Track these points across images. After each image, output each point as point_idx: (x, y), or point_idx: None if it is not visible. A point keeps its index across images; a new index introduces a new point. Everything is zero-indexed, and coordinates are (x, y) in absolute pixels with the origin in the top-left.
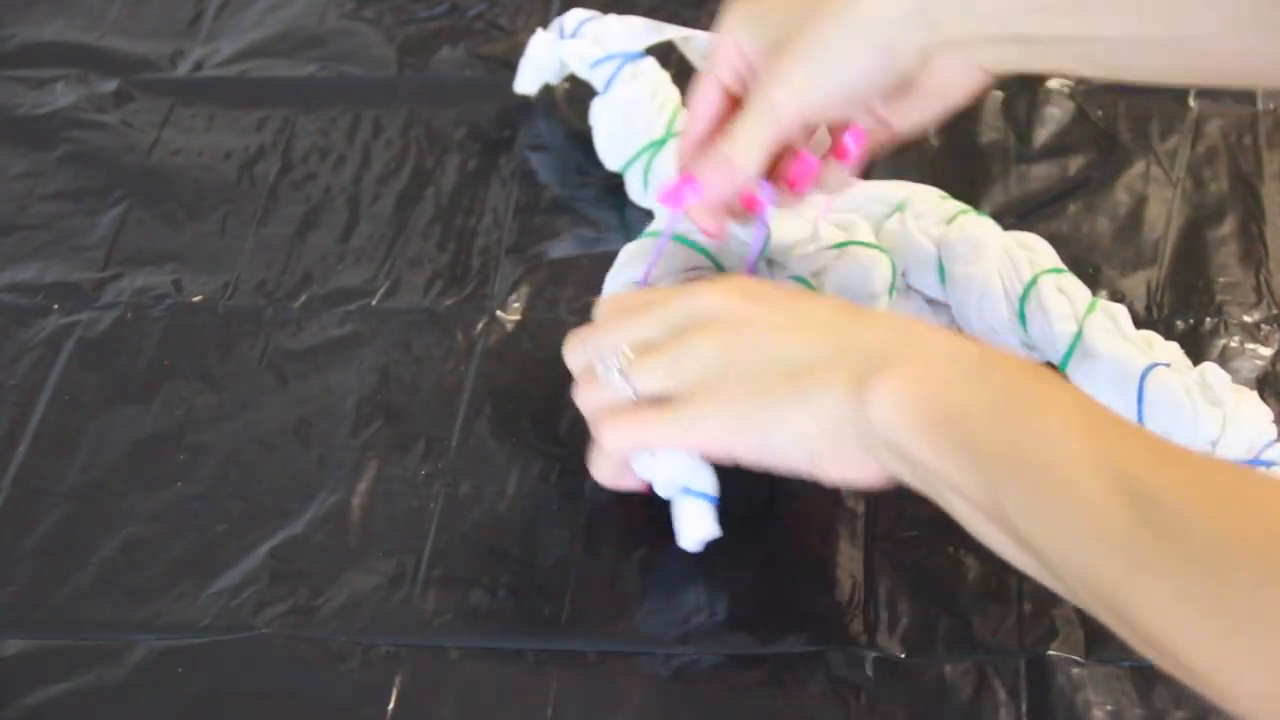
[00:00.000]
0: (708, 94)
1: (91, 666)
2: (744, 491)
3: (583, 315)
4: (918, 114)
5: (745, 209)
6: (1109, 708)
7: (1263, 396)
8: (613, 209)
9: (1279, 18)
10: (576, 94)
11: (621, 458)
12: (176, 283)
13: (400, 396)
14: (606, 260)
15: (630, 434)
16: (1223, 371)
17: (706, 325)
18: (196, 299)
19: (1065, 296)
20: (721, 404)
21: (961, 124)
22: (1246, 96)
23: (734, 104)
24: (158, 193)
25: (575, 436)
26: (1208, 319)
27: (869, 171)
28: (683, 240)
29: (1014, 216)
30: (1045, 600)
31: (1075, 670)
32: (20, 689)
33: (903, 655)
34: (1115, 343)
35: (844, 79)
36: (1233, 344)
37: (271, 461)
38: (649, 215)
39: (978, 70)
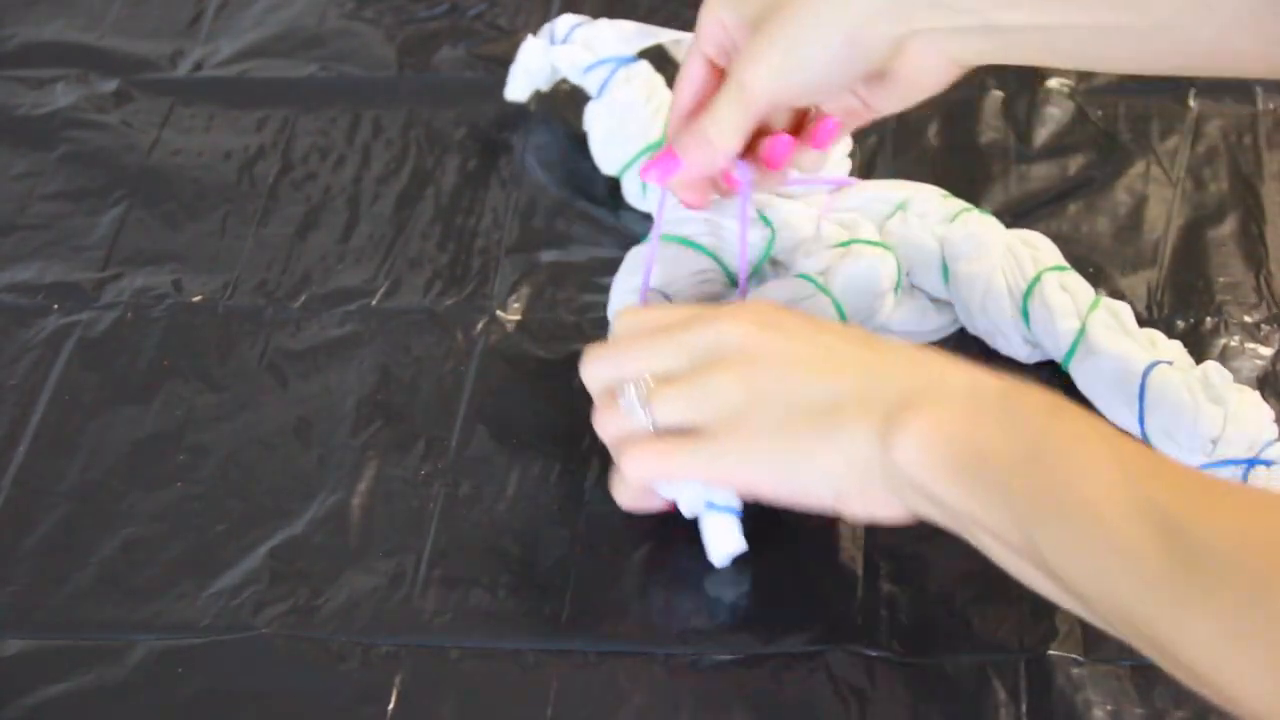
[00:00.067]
0: (692, 69)
1: (91, 666)
2: None
3: (582, 315)
4: (894, 101)
5: (726, 186)
6: (1109, 707)
7: (1263, 396)
8: (613, 209)
9: (1246, 6)
10: (577, 95)
11: (644, 484)
12: (176, 283)
13: (400, 396)
14: (607, 261)
15: (653, 466)
16: (1225, 370)
17: (728, 360)
18: (196, 299)
19: (1068, 294)
20: (744, 442)
21: (961, 124)
22: (1246, 96)
23: (719, 77)
24: (158, 193)
25: (575, 436)
26: (1208, 319)
27: (870, 171)
28: (686, 242)
29: (1014, 216)
30: (1045, 600)
31: (1075, 670)
32: (20, 689)
33: (903, 655)
34: (1118, 340)
35: (815, 67)
36: (1233, 344)
37: (271, 461)
38: (648, 218)
39: (951, 63)
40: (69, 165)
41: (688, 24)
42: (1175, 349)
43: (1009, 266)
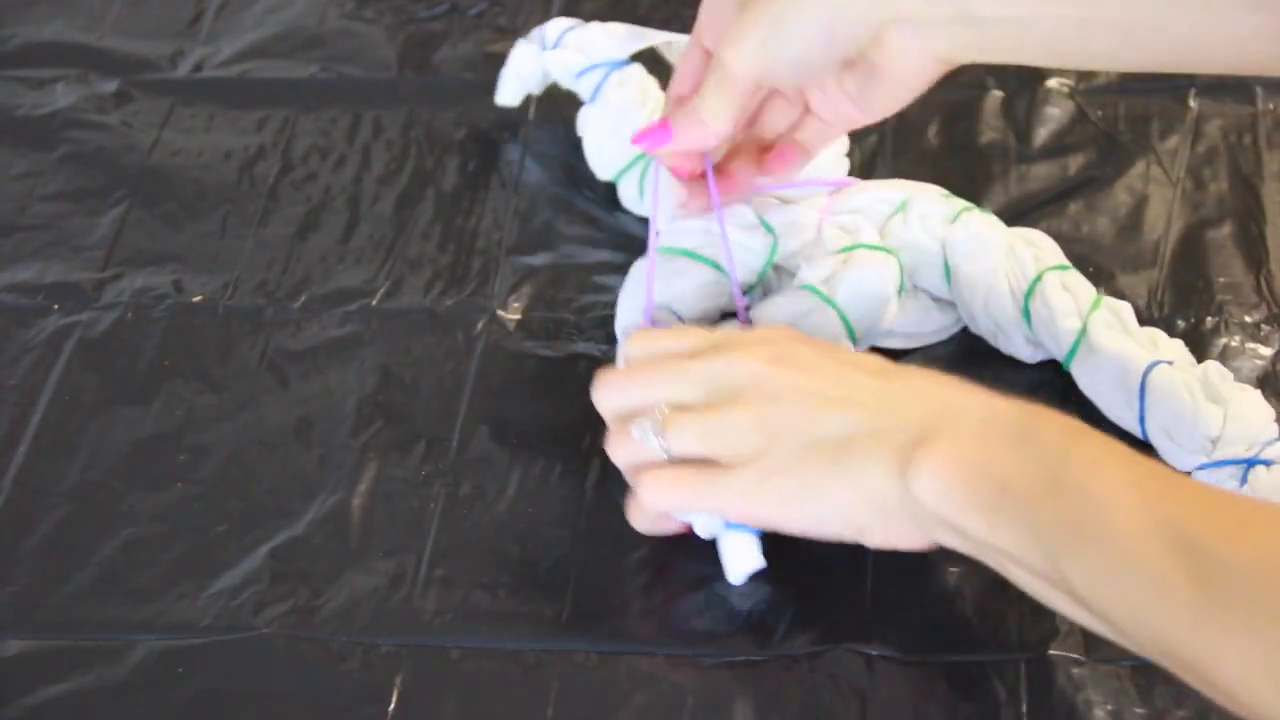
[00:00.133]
0: (691, 54)
1: (92, 667)
2: None
3: (582, 315)
4: (881, 99)
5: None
6: (1109, 707)
7: (1263, 396)
8: (612, 210)
9: (1227, 1)
10: (577, 95)
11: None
12: (177, 283)
13: (400, 397)
14: (607, 261)
15: (670, 497)
16: (1226, 370)
17: (743, 396)
18: (197, 299)
19: (1070, 293)
20: (761, 478)
21: (961, 124)
22: (1246, 96)
23: None
24: (158, 193)
25: (575, 436)
26: (1208, 319)
27: (870, 171)
28: (689, 254)
29: (1014, 217)
30: None
31: (1076, 670)
32: (20, 689)
33: (903, 655)
34: (1119, 340)
35: (795, 49)
36: (1233, 344)
37: (272, 462)
38: (646, 220)
39: (933, 58)
40: (69, 165)
41: (687, 24)
42: (1176, 348)
43: (1010, 266)
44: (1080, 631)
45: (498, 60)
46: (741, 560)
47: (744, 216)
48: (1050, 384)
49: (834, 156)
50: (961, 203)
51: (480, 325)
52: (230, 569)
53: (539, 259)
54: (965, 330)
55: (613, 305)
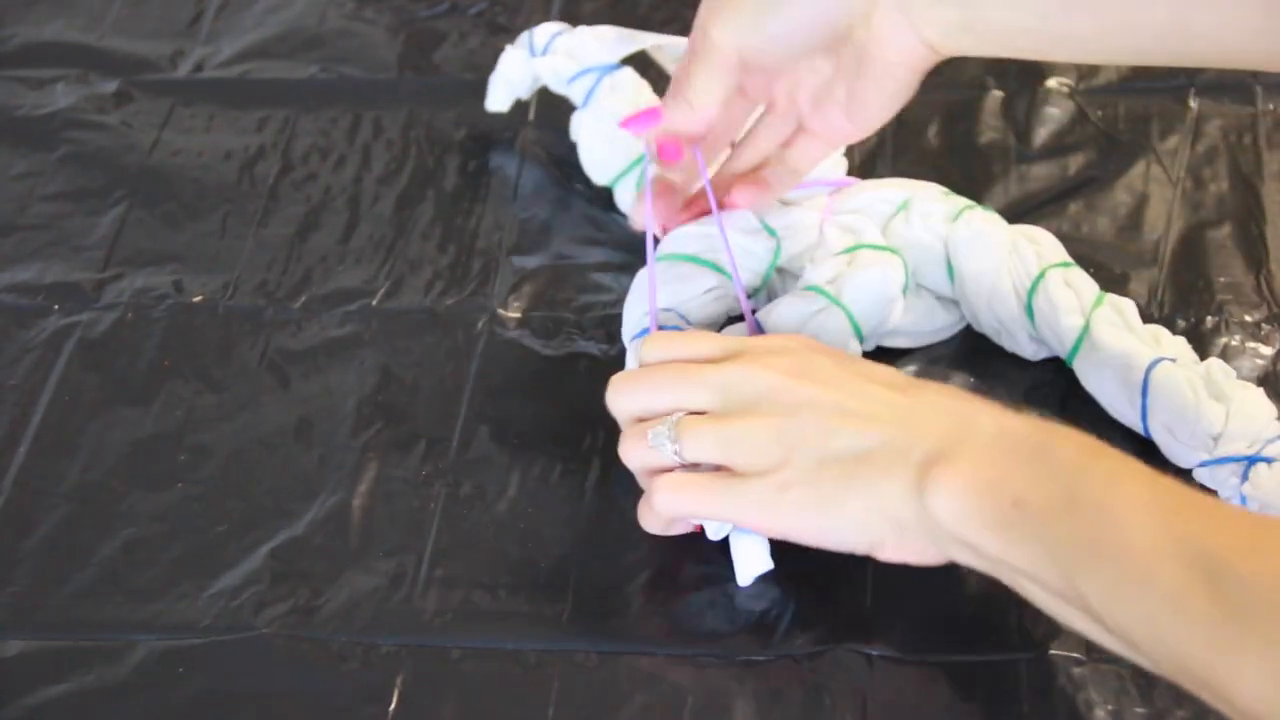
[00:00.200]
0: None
1: (92, 667)
2: None
3: (582, 314)
4: (869, 100)
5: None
6: (1110, 707)
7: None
8: (613, 210)
9: None
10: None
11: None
12: (177, 283)
13: (401, 397)
14: (607, 261)
15: (684, 502)
16: (1229, 367)
17: (761, 407)
18: (197, 299)
19: (1072, 290)
20: (776, 490)
21: (961, 124)
22: (1246, 96)
23: None
24: (158, 193)
25: (575, 436)
26: (1208, 318)
27: (870, 171)
28: (694, 259)
29: (1014, 217)
30: None
31: (1076, 670)
32: (21, 689)
33: (903, 655)
34: (1122, 337)
35: (782, 25)
36: (1233, 343)
37: (272, 462)
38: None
39: (921, 43)
40: (69, 166)
41: (688, 24)
42: (1179, 346)
43: (1013, 263)
44: None
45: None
46: (751, 562)
47: (746, 220)
48: (1053, 381)
49: (833, 156)
50: (963, 201)
51: (480, 325)
52: (230, 569)
53: (539, 259)
54: (969, 328)
55: (613, 305)
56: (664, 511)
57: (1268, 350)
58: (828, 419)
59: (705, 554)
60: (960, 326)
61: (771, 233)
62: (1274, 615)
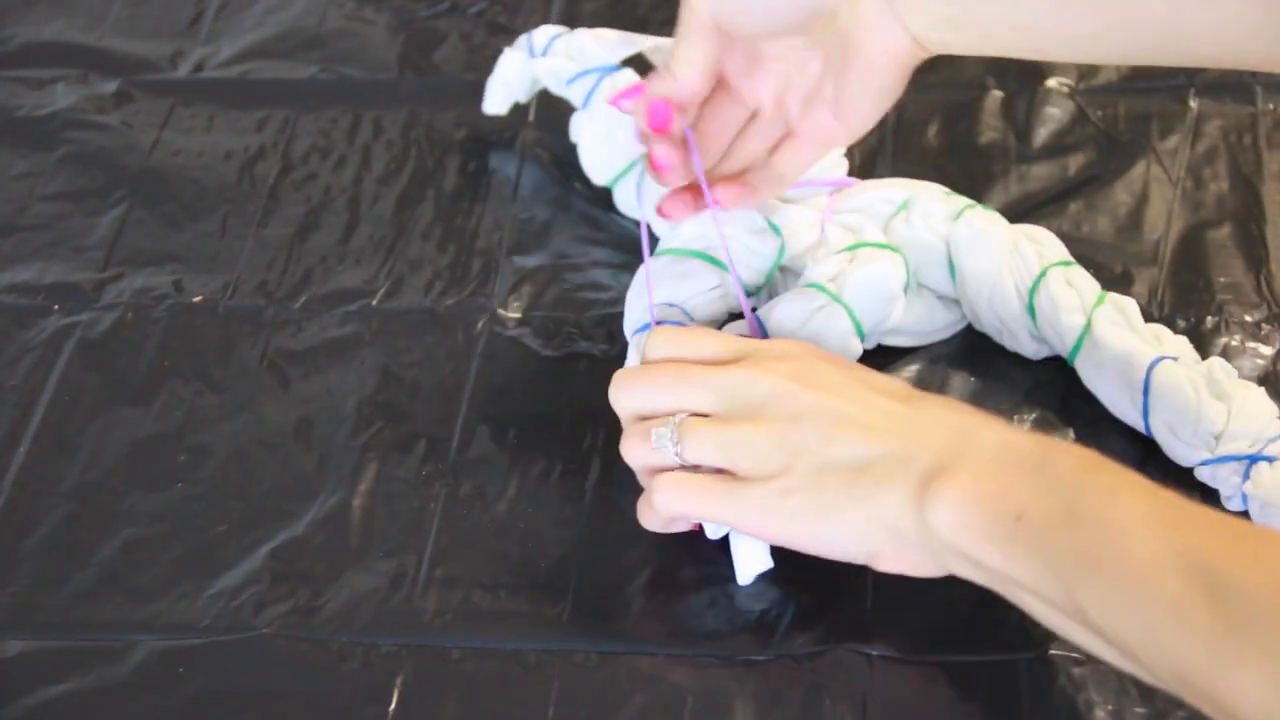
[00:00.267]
0: None
1: (92, 667)
2: None
3: (582, 314)
4: (855, 95)
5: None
6: (1110, 707)
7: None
8: (613, 210)
9: None
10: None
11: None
12: (177, 283)
13: (401, 397)
14: (607, 260)
15: (684, 502)
16: (1230, 366)
17: (764, 412)
18: (197, 299)
19: (1074, 290)
20: (776, 496)
21: (961, 124)
22: (1246, 96)
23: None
24: (158, 193)
25: (575, 436)
26: (1209, 318)
27: (870, 171)
28: (699, 255)
29: (1014, 217)
30: None
31: (1076, 670)
32: (21, 689)
33: (904, 655)
34: (1123, 336)
35: None
36: (1234, 343)
37: (272, 462)
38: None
39: (907, 35)
40: (69, 166)
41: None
42: (1181, 345)
43: (1014, 262)
44: None
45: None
46: (751, 562)
47: (751, 220)
48: (1054, 380)
49: (833, 156)
50: (964, 200)
51: (480, 325)
52: (231, 569)
53: (539, 259)
54: (970, 327)
55: (613, 305)
56: (663, 510)
57: (1268, 350)
58: (830, 426)
59: (705, 554)
60: (961, 325)
61: (776, 231)
62: (1274, 627)
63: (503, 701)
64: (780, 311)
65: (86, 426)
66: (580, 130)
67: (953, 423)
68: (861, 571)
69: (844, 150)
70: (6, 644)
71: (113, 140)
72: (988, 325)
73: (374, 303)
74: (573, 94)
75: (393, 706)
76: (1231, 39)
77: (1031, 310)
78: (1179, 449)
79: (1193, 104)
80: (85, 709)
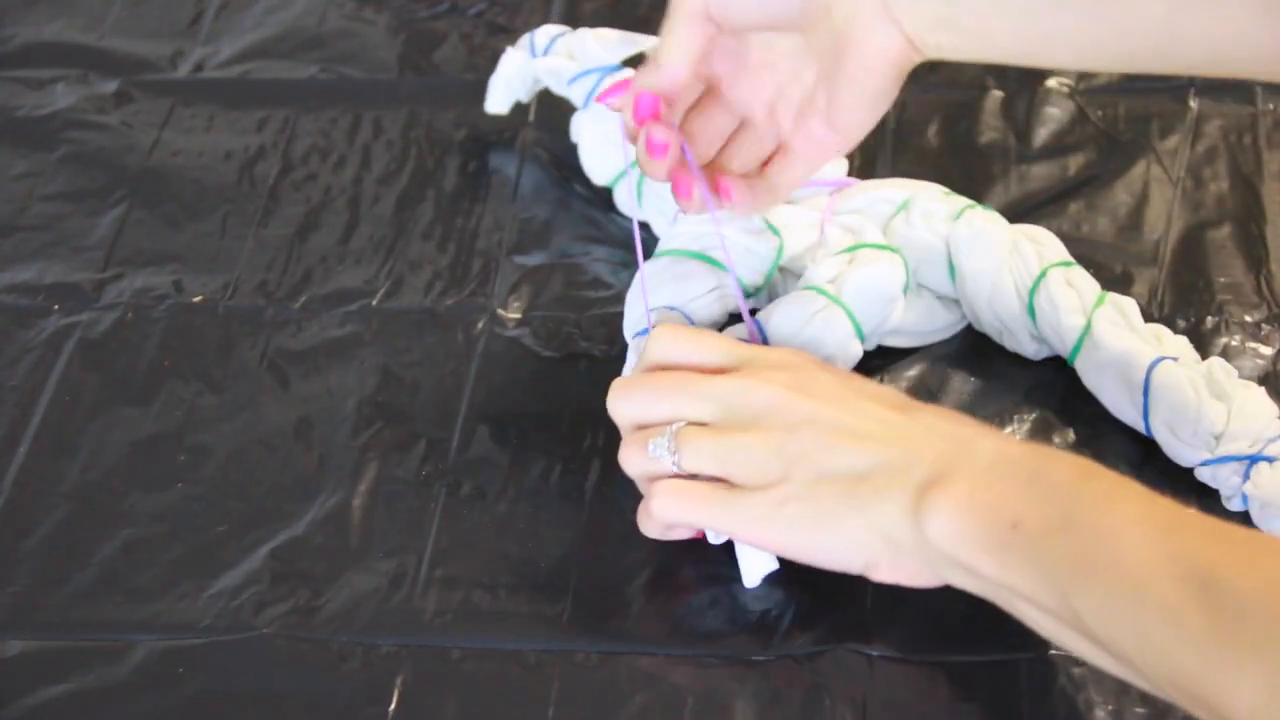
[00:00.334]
0: None
1: (92, 667)
2: None
3: (582, 313)
4: (849, 97)
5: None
6: (1110, 707)
7: None
8: (612, 210)
9: None
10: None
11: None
12: (177, 283)
13: (401, 397)
14: (607, 260)
15: (682, 509)
16: (1230, 366)
17: (762, 422)
18: (197, 299)
19: (1074, 290)
20: (773, 505)
21: (961, 124)
22: (1246, 96)
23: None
24: (158, 193)
25: (575, 436)
26: (1209, 318)
27: (870, 171)
28: (699, 256)
29: (1014, 217)
30: None
31: (1076, 670)
32: (21, 690)
33: (904, 655)
34: (1123, 336)
35: None
36: (1234, 343)
37: (272, 462)
38: (644, 224)
39: (901, 36)
40: (69, 166)
41: None
42: (1181, 345)
43: (1014, 263)
44: None
45: (498, 61)
46: (757, 564)
47: (750, 220)
48: (1054, 381)
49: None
50: (964, 200)
51: (480, 325)
52: (230, 569)
53: (539, 259)
54: (970, 328)
55: (613, 305)
56: (661, 517)
57: (1268, 350)
58: (827, 436)
59: (706, 554)
60: (961, 326)
61: (775, 232)
62: (1268, 631)
63: (503, 701)
64: (780, 315)
65: (86, 426)
66: (580, 130)
67: (949, 433)
68: None
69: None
70: (6, 644)
71: (113, 140)
72: (988, 326)
73: (374, 303)
74: (574, 94)
75: (393, 706)
76: (1229, 45)
77: (1031, 311)
78: (1179, 449)
79: (1193, 104)
80: (85, 709)
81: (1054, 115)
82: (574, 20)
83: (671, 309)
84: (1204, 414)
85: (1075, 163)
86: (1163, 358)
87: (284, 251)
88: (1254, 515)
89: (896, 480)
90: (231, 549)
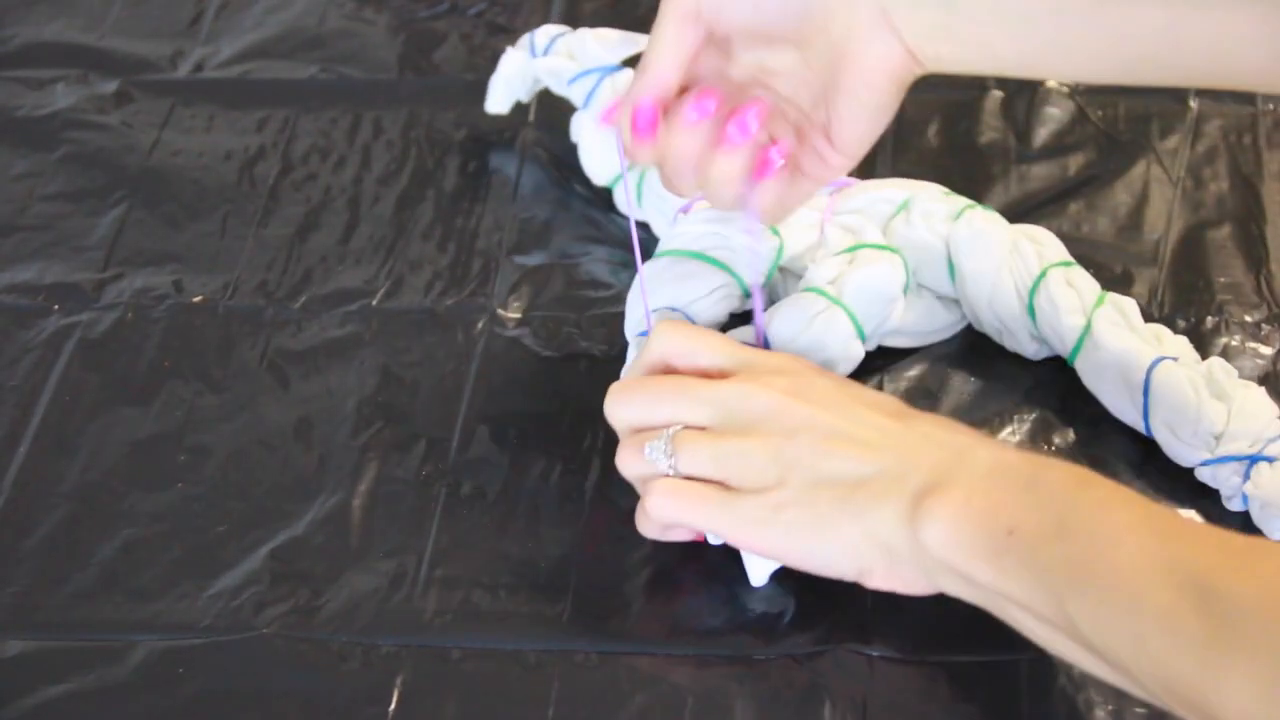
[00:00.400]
0: None
1: (92, 667)
2: None
3: (582, 313)
4: (848, 110)
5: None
6: (1110, 707)
7: None
8: (612, 210)
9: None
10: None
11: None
12: (177, 283)
13: (401, 397)
14: (607, 260)
15: (678, 509)
16: (1230, 366)
17: (759, 427)
18: (197, 299)
19: (1074, 290)
20: (769, 510)
21: (961, 124)
22: (1246, 96)
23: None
24: (158, 193)
25: (575, 436)
26: (1209, 318)
27: (870, 172)
28: (700, 256)
29: (1014, 217)
30: None
31: (1076, 670)
32: (21, 690)
33: (904, 655)
34: (1123, 336)
35: None
36: (1234, 343)
37: (272, 462)
38: (643, 225)
39: (901, 46)
40: (69, 166)
41: None
42: (1181, 345)
43: (1014, 263)
44: None
45: (498, 61)
46: (763, 562)
47: (749, 221)
48: (1054, 381)
49: None
50: (964, 200)
51: (480, 325)
52: (230, 569)
53: (539, 259)
54: (970, 328)
55: (613, 305)
56: (657, 517)
57: (1268, 350)
58: (824, 441)
59: (706, 554)
60: (961, 326)
61: (775, 232)
62: (1262, 635)
63: (503, 702)
64: (780, 317)
65: (86, 426)
66: (580, 130)
67: (946, 440)
68: None
69: None
70: (6, 644)
71: (113, 140)
72: (988, 326)
73: (374, 303)
74: (574, 94)
75: (393, 706)
76: (1230, 56)
77: (1031, 311)
78: (1179, 449)
79: (1193, 104)
80: (85, 709)
81: (1054, 115)
82: (574, 20)
83: (673, 310)
84: (1204, 414)
85: (1075, 163)
86: (1163, 358)
87: (284, 251)
88: (1254, 515)
89: (893, 487)
90: (231, 549)
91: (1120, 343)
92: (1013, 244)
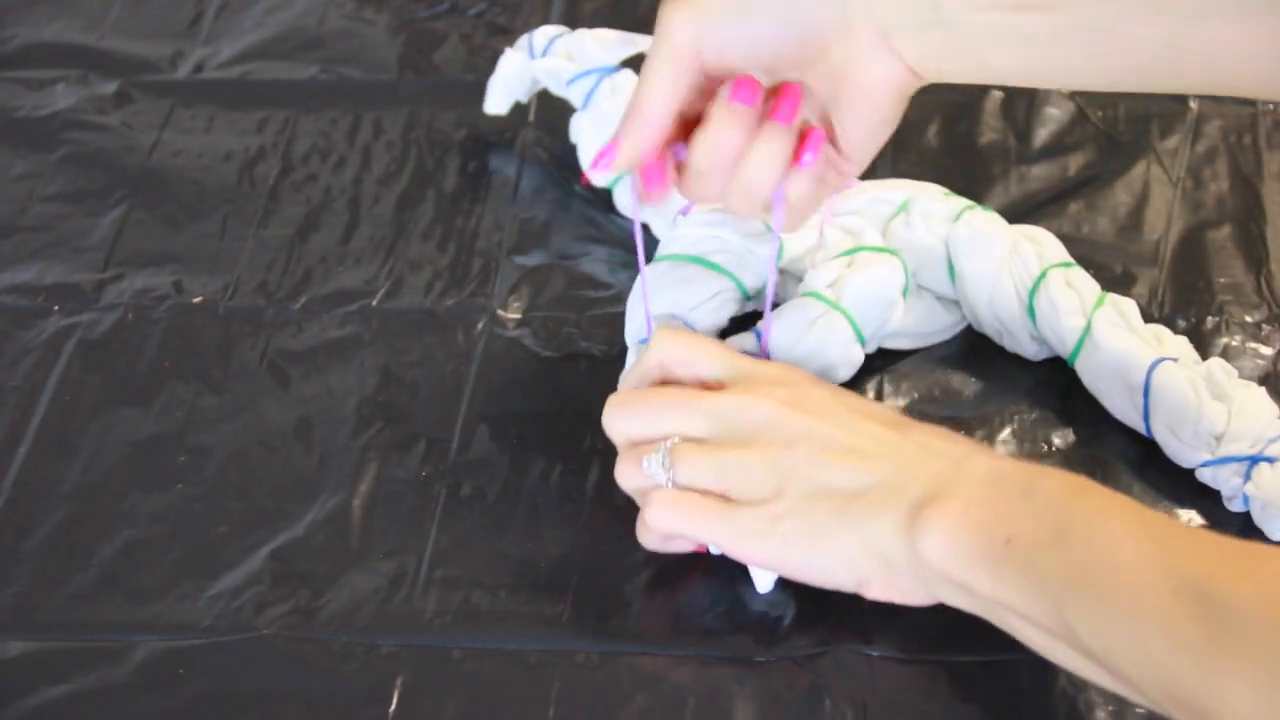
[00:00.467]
0: None
1: (93, 668)
2: None
3: (582, 314)
4: (851, 128)
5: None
6: (1110, 708)
7: None
8: (613, 210)
9: (1193, 6)
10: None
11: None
12: (177, 284)
13: (401, 397)
14: (607, 260)
15: (677, 520)
16: (1230, 366)
17: (758, 438)
18: (197, 300)
19: (1074, 291)
20: (767, 521)
21: (961, 124)
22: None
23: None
24: (158, 194)
25: (575, 436)
26: (1209, 318)
27: (870, 172)
28: (701, 261)
29: (1014, 217)
30: None
31: None
32: (22, 690)
33: (903, 655)
34: (1123, 337)
35: (749, 22)
36: (1234, 343)
37: (272, 463)
38: (644, 225)
39: (902, 65)
40: (69, 166)
41: None
42: (1181, 345)
43: (1014, 263)
44: None
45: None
46: (769, 570)
47: (749, 223)
48: (1054, 381)
49: None
50: (963, 201)
51: (480, 325)
52: (231, 570)
53: (539, 259)
54: (970, 329)
55: (613, 305)
56: (656, 527)
57: (1268, 350)
58: (822, 452)
59: (705, 554)
60: (961, 327)
61: (768, 229)
62: (1261, 639)
63: (503, 702)
64: (780, 323)
65: (86, 427)
66: (580, 130)
67: (943, 451)
68: None
69: None
70: (7, 645)
71: (113, 141)
72: (988, 327)
73: (374, 303)
74: (573, 94)
75: (393, 707)
76: (1231, 66)
77: (1031, 311)
78: (1180, 450)
79: (1193, 104)
80: (85, 710)
81: (1054, 115)
82: (574, 21)
83: (673, 317)
84: (1204, 415)
85: (1075, 163)
86: (1163, 358)
87: (284, 252)
88: (1255, 516)
89: (890, 498)
90: (232, 549)
91: (1120, 344)
92: (1012, 245)
